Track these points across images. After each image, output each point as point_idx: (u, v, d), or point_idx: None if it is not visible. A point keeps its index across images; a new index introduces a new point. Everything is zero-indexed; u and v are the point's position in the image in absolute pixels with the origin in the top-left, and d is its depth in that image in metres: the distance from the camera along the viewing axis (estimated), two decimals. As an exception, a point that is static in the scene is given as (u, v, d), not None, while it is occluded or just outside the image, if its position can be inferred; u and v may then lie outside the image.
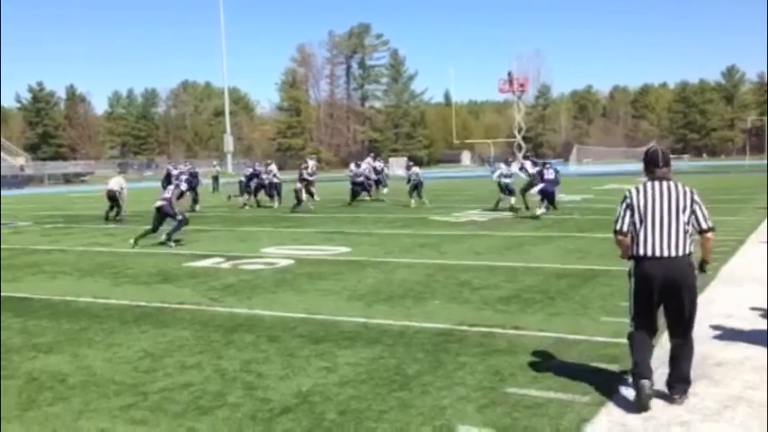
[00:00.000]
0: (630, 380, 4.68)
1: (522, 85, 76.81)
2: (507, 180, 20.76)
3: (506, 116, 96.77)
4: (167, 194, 14.97)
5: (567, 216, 18.55)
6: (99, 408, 4.87)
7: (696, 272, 4.63)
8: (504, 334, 6.59)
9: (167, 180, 30.51)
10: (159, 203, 14.76)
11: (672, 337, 4.70)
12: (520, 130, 73.94)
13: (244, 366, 5.74)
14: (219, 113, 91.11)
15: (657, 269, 4.51)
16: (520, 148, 72.04)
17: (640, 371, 4.53)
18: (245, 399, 4.96)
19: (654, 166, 4.65)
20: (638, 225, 4.59)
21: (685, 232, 4.51)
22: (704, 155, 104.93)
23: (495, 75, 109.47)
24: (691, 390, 4.64)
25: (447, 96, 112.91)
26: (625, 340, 4.88)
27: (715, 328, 6.47)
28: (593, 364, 5.51)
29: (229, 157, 44.55)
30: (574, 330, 6.61)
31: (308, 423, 4.48)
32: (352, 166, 27.48)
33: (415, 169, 24.28)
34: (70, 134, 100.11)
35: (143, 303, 8.49)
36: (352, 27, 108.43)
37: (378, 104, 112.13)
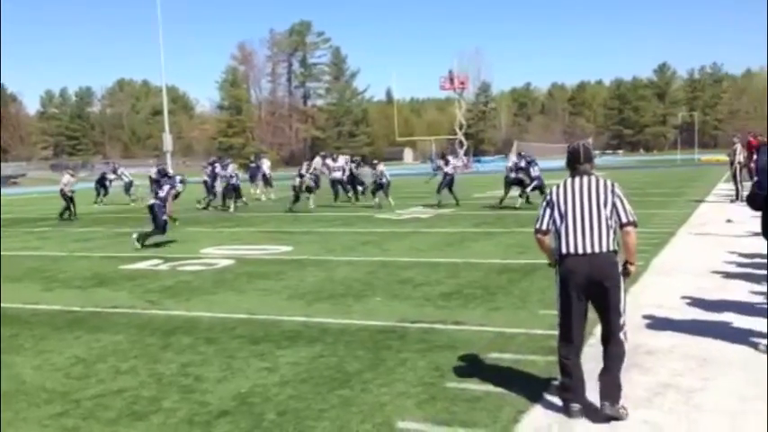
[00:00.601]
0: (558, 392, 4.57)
1: (462, 83, 77.68)
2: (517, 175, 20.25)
3: (448, 113, 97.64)
4: (162, 193, 14.26)
5: (508, 212, 18.81)
6: (29, 417, 4.71)
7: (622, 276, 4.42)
8: (444, 329, 6.63)
9: (101, 182, 30.11)
10: (152, 201, 14.26)
11: (602, 336, 4.50)
12: (461, 127, 74.70)
13: (181, 370, 5.63)
14: (158, 112, 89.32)
15: (580, 265, 4.31)
16: (461, 144, 72.82)
17: (567, 395, 4.43)
18: (181, 403, 4.86)
19: (576, 162, 4.50)
20: (558, 222, 4.42)
21: (608, 227, 4.31)
22: (641, 150, 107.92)
23: (437, 73, 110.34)
24: (623, 377, 4.67)
25: (389, 94, 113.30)
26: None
27: (646, 317, 6.65)
28: (532, 357, 5.60)
29: (169, 156, 43.58)
30: (513, 324, 6.71)
31: (247, 425, 4.42)
32: (329, 161, 25.65)
33: (381, 168, 22.77)
34: (1, 135, 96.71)
35: (76, 308, 8.25)
36: (293, 25, 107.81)
37: (320, 103, 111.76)
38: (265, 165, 30.21)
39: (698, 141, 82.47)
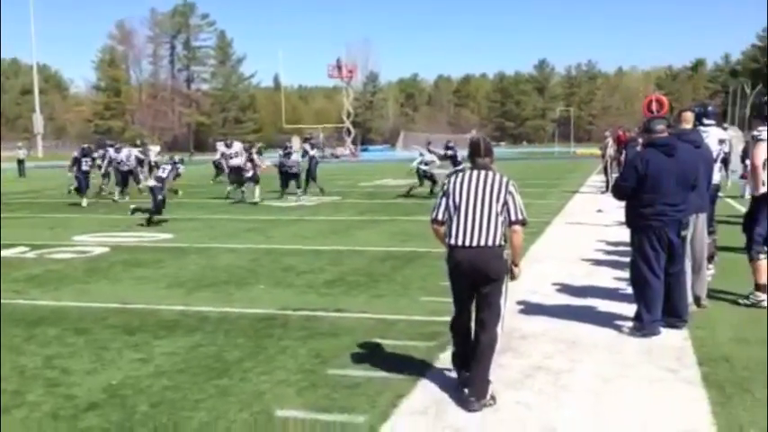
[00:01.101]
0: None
1: (350, 72, 77.66)
2: (426, 167, 20.08)
3: (336, 102, 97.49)
4: (162, 173, 15.21)
5: (391, 201, 19.03)
6: None
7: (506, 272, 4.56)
8: (326, 317, 6.63)
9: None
10: (152, 183, 15.13)
11: (476, 325, 4.58)
12: (349, 116, 74.82)
13: (46, 362, 5.33)
14: (28, 92, 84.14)
15: (466, 257, 4.41)
16: (349, 133, 72.98)
17: (459, 362, 4.68)
18: (46, 396, 4.60)
19: (476, 155, 4.58)
20: (452, 213, 4.50)
21: (497, 222, 4.39)
22: (524, 142, 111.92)
23: (325, 61, 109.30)
24: (497, 360, 4.77)
25: (276, 81, 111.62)
26: (441, 318, 5.04)
27: (520, 303, 6.90)
28: (412, 343, 5.69)
29: (39, 139, 40.86)
30: (394, 311, 6.79)
31: (118, 417, 4.24)
32: (223, 148, 23.72)
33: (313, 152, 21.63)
34: None
35: (-69, 299, 7.63)
36: (176, 5, 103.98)
37: (205, 87, 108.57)
38: (153, 152, 29.15)
39: (574, 135, 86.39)
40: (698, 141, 6.48)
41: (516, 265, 4.63)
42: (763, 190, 6.58)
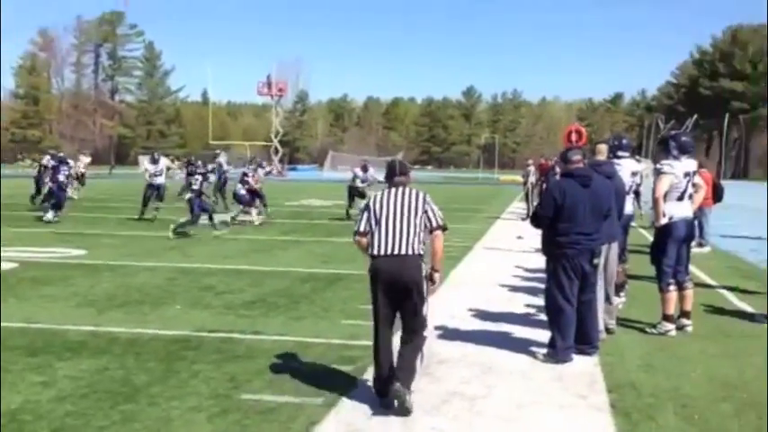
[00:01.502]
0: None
1: (280, 90, 77.35)
2: (363, 185, 19.99)
3: (265, 120, 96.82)
4: (197, 186, 15.48)
5: (316, 221, 18.94)
6: None
7: (425, 281, 4.80)
8: (243, 339, 6.50)
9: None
10: (188, 195, 15.51)
11: (402, 332, 4.84)
12: (277, 135, 74.35)
13: (-61, 385, 5.02)
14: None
15: (386, 266, 4.70)
16: (276, 151, 72.45)
17: (379, 386, 4.80)
18: (-64, 422, 4.33)
19: (393, 175, 4.96)
20: (373, 226, 4.81)
21: (416, 234, 4.72)
22: (451, 167, 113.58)
23: (255, 78, 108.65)
24: (414, 386, 4.82)
25: (205, 95, 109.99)
26: (361, 342, 5.02)
27: (439, 327, 6.94)
28: (330, 366, 5.64)
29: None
30: (313, 334, 6.72)
31: (14, 445, 4.02)
32: (148, 164, 19.36)
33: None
34: None
35: None
36: (103, 14, 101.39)
37: (129, 98, 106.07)
38: (83, 162, 28.12)
39: (498, 162, 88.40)
40: (611, 173, 6.71)
41: (437, 271, 4.92)
42: (664, 221, 6.83)
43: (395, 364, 4.75)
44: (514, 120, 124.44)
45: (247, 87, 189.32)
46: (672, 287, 6.92)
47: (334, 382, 5.23)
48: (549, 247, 6.06)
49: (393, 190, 4.89)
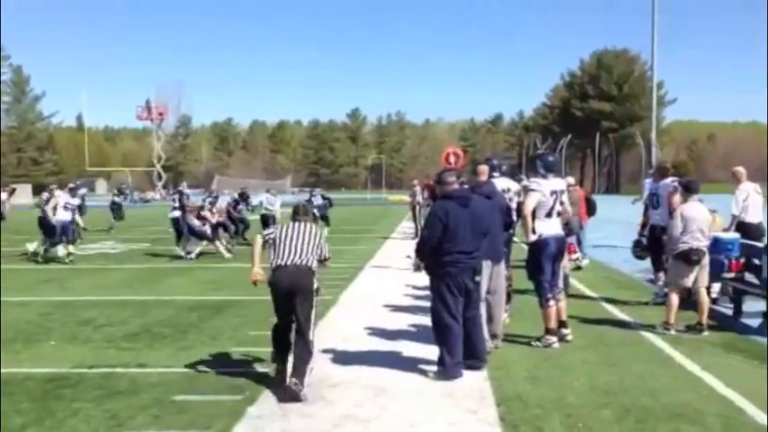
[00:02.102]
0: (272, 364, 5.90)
1: (161, 114, 75.44)
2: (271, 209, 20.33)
3: (146, 144, 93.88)
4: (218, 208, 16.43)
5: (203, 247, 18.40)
6: None
7: (315, 294, 5.78)
8: (126, 373, 6.22)
9: None
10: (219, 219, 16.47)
11: (295, 333, 5.73)
12: (159, 159, 72.24)
13: None
14: None
15: (284, 273, 5.69)
16: (160, 177, 70.34)
17: (277, 357, 5.94)
18: None
19: (296, 214, 6.10)
20: (277, 244, 5.82)
21: (311, 252, 5.83)
22: (342, 188, 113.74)
23: (134, 102, 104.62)
24: (306, 410, 4.80)
25: (80, 120, 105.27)
26: (251, 369, 4.90)
27: (330, 350, 6.91)
28: (219, 397, 5.47)
29: None
30: (202, 363, 6.51)
31: None
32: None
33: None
34: None
35: None
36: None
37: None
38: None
39: (385, 182, 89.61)
40: (491, 193, 6.91)
41: (319, 288, 5.95)
42: (533, 237, 7.11)
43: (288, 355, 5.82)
44: (400, 141, 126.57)
45: (126, 111, 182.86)
46: (551, 302, 7.18)
47: (224, 412, 5.09)
48: (432, 267, 6.17)
49: (296, 224, 6.02)
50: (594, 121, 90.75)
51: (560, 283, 7.47)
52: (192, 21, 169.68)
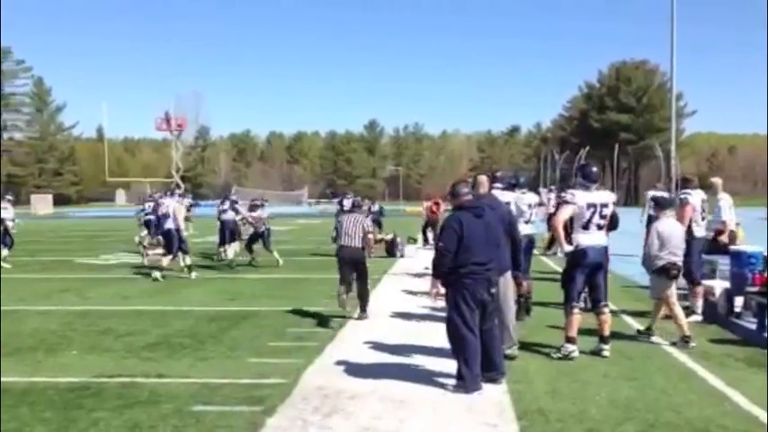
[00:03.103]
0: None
1: (180, 125, 76.00)
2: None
3: (165, 155, 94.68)
4: (244, 213, 16.71)
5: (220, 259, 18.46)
6: None
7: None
8: (146, 383, 6.23)
9: None
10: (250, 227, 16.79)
11: (358, 282, 9.44)
12: (178, 170, 72.81)
13: None
14: None
15: (346, 251, 9.30)
16: (178, 187, 70.86)
17: (342, 291, 9.40)
18: None
19: (342, 208, 8.16)
20: (340, 232, 9.43)
21: (361, 235, 9.28)
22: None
23: (153, 113, 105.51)
24: (326, 423, 4.80)
25: (100, 131, 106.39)
26: (270, 380, 4.89)
27: (350, 361, 6.90)
28: (237, 408, 5.47)
29: None
30: (220, 374, 6.52)
31: None
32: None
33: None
34: None
35: None
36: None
37: (19, 136, 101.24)
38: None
39: (403, 193, 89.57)
40: (492, 204, 6.77)
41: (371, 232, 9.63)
42: (568, 248, 7.10)
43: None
44: (417, 152, 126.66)
45: (145, 122, 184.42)
46: (576, 310, 7.15)
47: (244, 425, 5.09)
48: (448, 279, 6.08)
49: (351, 215, 9.73)
50: (613, 133, 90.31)
51: (604, 297, 7.34)
52: (210, 31, 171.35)
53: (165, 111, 73.85)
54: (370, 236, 9.48)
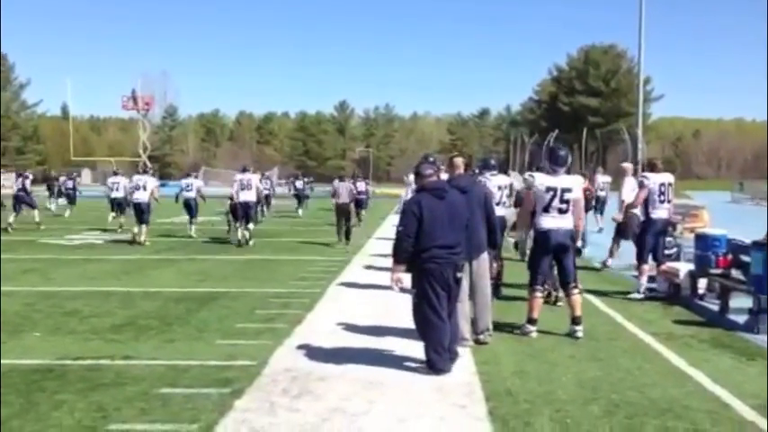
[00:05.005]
0: None
1: (147, 104, 74.76)
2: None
3: (132, 134, 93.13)
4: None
5: (189, 239, 18.32)
6: None
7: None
8: (112, 365, 6.15)
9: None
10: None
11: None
12: (145, 150, 71.77)
13: None
14: None
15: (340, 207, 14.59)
16: (145, 167, 69.93)
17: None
18: None
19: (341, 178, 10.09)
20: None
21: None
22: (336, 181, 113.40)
23: (119, 91, 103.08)
24: (294, 405, 4.76)
25: (65, 110, 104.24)
26: (237, 362, 4.84)
27: (320, 343, 6.87)
28: (205, 390, 5.41)
29: None
30: (188, 356, 6.45)
31: None
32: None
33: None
34: None
35: None
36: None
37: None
38: None
39: (373, 175, 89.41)
40: (466, 186, 6.72)
41: None
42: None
43: None
44: (388, 134, 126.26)
45: (111, 101, 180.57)
46: (538, 293, 7.28)
47: (210, 405, 5.04)
48: (412, 263, 5.97)
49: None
50: (581, 117, 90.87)
51: (573, 279, 7.38)
52: (178, 10, 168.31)
53: (132, 89, 72.61)
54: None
